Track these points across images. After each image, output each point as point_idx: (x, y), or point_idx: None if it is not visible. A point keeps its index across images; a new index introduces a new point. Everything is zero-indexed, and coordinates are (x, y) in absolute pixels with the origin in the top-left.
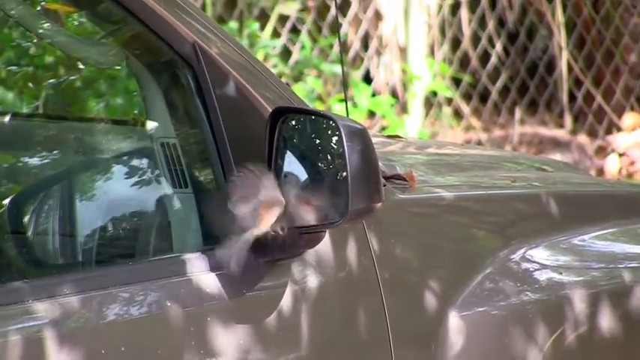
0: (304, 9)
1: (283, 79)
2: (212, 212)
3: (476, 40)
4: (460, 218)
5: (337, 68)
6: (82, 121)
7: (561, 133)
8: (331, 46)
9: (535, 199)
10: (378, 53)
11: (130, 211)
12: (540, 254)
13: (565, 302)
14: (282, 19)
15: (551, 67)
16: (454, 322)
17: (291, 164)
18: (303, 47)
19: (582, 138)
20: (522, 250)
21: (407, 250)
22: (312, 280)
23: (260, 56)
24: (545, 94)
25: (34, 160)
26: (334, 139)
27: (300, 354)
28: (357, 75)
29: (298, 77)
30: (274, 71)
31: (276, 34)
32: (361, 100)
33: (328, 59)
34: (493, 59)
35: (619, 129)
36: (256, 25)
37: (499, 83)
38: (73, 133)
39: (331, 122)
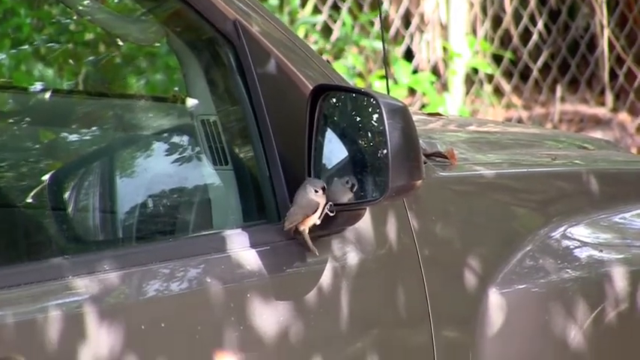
0: None
1: (324, 56)
2: None
3: (517, 18)
4: (501, 196)
5: (378, 44)
6: (122, 98)
7: (602, 111)
8: (372, 23)
9: (576, 177)
10: (420, 30)
11: (170, 187)
12: (581, 232)
13: (605, 280)
14: None
15: (592, 45)
16: (494, 299)
17: (332, 142)
18: (343, 24)
19: (623, 116)
20: (563, 228)
21: (447, 227)
22: (352, 257)
23: (301, 33)
24: (586, 72)
25: (74, 137)
26: (375, 116)
27: (339, 330)
28: (397, 51)
29: (339, 54)
30: (315, 48)
31: (316, 11)
32: (401, 77)
33: (369, 36)
34: (534, 37)
35: None
36: (297, 2)
37: (540, 61)
38: (112, 110)
39: (372, 100)
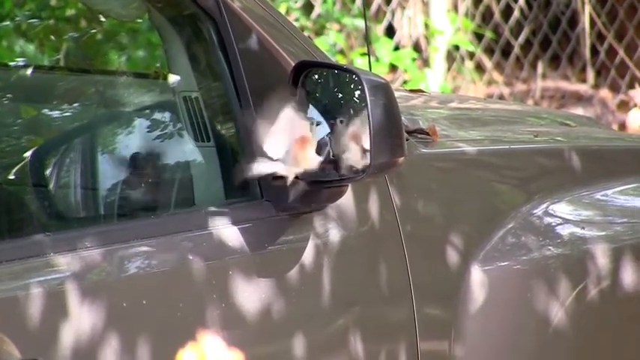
0: None
1: (305, 33)
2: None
3: None
4: (482, 173)
5: (359, 22)
6: (103, 74)
7: (583, 88)
8: (353, 1)
9: (558, 154)
10: (401, 7)
11: (151, 164)
12: (563, 209)
13: (587, 257)
14: None
15: (573, 21)
16: (476, 276)
17: (314, 118)
18: (324, 1)
19: (604, 92)
20: (545, 205)
21: (429, 204)
22: (334, 234)
23: (282, 10)
24: (567, 48)
25: (56, 113)
26: (357, 93)
27: (321, 307)
28: (379, 29)
29: (320, 31)
30: (296, 25)
31: None
32: (383, 54)
33: (350, 13)
34: (516, 13)
35: None
36: None
37: (521, 37)
38: (94, 86)
39: (354, 76)
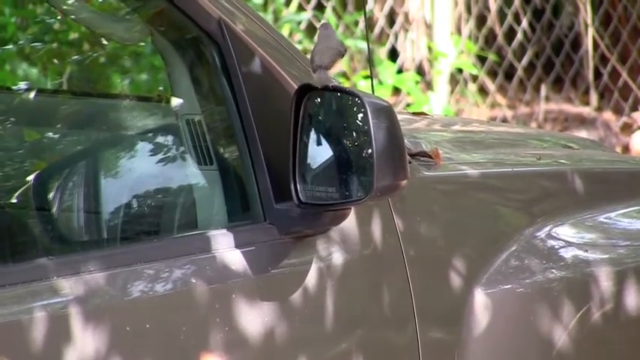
0: None
1: (308, 56)
2: None
3: (502, 16)
4: (485, 196)
5: (362, 45)
6: (106, 98)
7: (587, 110)
8: (356, 23)
9: (561, 177)
10: (404, 29)
11: (154, 187)
12: (566, 232)
13: (590, 280)
14: None
15: (576, 44)
16: (479, 299)
17: (317, 141)
18: None
19: (608, 115)
20: (548, 228)
21: (432, 227)
22: (338, 257)
23: (285, 31)
24: (570, 71)
25: (59, 137)
26: (360, 116)
27: (324, 331)
28: (382, 52)
29: None
30: (299, 47)
31: (301, 9)
32: (386, 77)
33: (353, 36)
34: (519, 36)
35: None
36: (282, 0)
37: (525, 60)
38: (97, 109)
39: (357, 99)
